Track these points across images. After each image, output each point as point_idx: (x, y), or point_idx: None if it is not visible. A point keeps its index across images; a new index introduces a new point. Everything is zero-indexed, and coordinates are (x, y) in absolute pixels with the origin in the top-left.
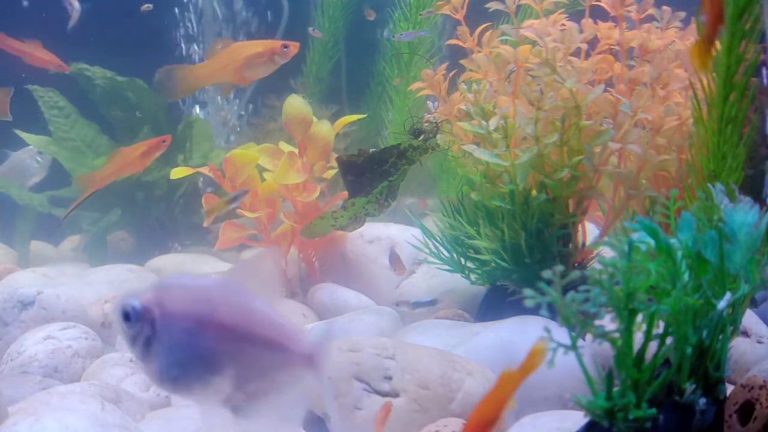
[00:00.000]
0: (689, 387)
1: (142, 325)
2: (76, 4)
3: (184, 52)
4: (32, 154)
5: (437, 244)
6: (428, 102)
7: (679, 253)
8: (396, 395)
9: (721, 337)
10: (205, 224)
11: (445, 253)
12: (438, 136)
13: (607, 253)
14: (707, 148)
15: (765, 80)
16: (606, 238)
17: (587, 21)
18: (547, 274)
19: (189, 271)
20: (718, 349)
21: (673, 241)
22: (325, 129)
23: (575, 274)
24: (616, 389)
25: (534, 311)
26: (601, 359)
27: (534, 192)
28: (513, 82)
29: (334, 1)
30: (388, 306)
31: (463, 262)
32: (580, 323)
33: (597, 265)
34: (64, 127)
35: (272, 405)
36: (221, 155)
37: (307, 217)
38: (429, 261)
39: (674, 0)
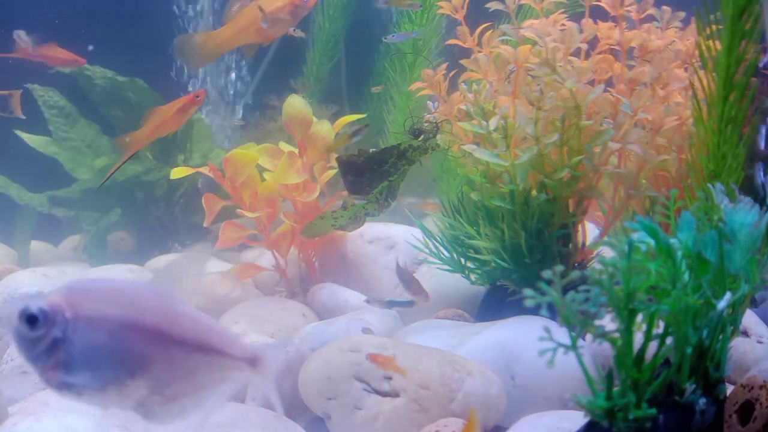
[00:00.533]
0: (689, 387)
1: (49, 329)
2: (25, 38)
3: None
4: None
5: (437, 244)
6: (428, 102)
7: (679, 253)
8: (396, 395)
9: (721, 337)
10: (204, 224)
11: (445, 253)
12: (438, 136)
13: (607, 253)
14: (707, 148)
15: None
16: (606, 238)
17: (587, 21)
18: (547, 274)
19: (99, 276)
20: (718, 349)
21: (673, 241)
22: (325, 129)
23: (575, 274)
24: (616, 389)
25: (534, 311)
26: (601, 359)
27: (534, 192)
28: (513, 82)
29: (335, 1)
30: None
31: (463, 262)
32: (580, 323)
33: (597, 265)
34: (64, 126)
35: (193, 406)
36: (221, 155)
37: (307, 217)
38: (429, 261)
39: (674, 0)
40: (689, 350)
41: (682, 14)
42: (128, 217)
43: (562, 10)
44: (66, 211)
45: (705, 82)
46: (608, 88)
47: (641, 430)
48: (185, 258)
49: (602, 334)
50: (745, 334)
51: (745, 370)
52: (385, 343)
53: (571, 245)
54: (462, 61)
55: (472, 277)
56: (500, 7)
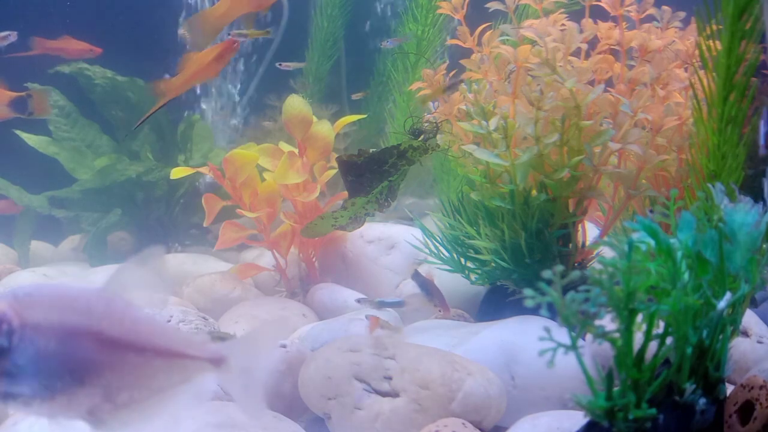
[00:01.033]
0: (689, 387)
1: None
2: (10, 37)
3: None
4: None
5: (437, 244)
6: (429, 102)
7: (679, 253)
8: (396, 395)
9: (721, 337)
10: (204, 224)
11: (445, 253)
12: (438, 136)
13: (607, 253)
14: (707, 148)
15: None
16: (606, 238)
17: (587, 21)
18: (547, 274)
19: (47, 282)
20: (718, 349)
21: (673, 241)
22: (325, 129)
23: (575, 274)
24: (616, 389)
25: (534, 311)
26: (601, 359)
27: (534, 192)
28: (513, 82)
29: (334, 1)
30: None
31: (463, 262)
32: (580, 323)
33: (597, 265)
34: (64, 126)
35: (152, 410)
36: (221, 155)
37: (307, 217)
38: (429, 261)
39: (674, 0)
40: (689, 350)
41: (682, 14)
42: (128, 217)
43: (562, 9)
44: (66, 212)
45: (705, 82)
46: (608, 88)
47: (641, 430)
48: (136, 261)
49: (602, 334)
50: (745, 334)
51: (745, 370)
52: (385, 343)
53: (571, 245)
54: (462, 61)
55: (472, 277)
56: (500, 7)
